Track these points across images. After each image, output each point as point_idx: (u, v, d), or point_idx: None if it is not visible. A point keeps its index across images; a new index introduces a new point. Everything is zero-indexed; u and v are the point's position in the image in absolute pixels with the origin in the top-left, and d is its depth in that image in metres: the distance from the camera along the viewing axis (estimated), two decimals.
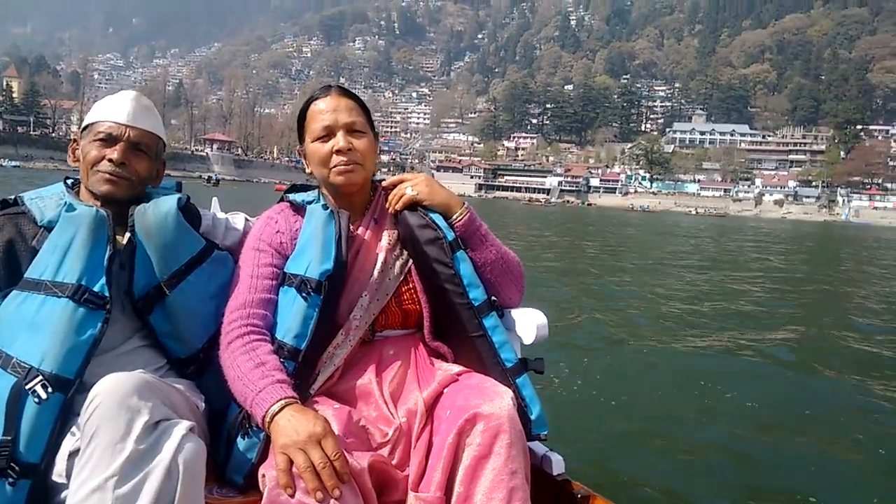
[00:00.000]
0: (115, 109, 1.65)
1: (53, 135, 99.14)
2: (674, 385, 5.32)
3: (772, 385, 5.60)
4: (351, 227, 1.68)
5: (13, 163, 71.54)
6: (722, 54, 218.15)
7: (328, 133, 1.65)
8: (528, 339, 1.77)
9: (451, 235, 1.66)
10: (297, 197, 1.75)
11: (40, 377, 1.38)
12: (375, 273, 1.67)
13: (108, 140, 1.61)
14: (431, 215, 1.68)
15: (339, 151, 1.64)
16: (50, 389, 1.38)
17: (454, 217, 1.71)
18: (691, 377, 5.57)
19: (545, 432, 1.63)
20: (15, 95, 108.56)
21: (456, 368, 1.66)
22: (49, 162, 78.50)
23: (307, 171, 1.75)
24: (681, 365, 6.07)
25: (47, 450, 1.38)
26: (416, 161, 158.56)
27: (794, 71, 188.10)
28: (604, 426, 4.27)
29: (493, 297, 1.70)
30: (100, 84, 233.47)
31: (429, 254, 1.65)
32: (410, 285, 1.72)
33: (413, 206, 1.70)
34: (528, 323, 1.77)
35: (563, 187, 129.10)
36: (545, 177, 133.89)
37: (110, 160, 1.60)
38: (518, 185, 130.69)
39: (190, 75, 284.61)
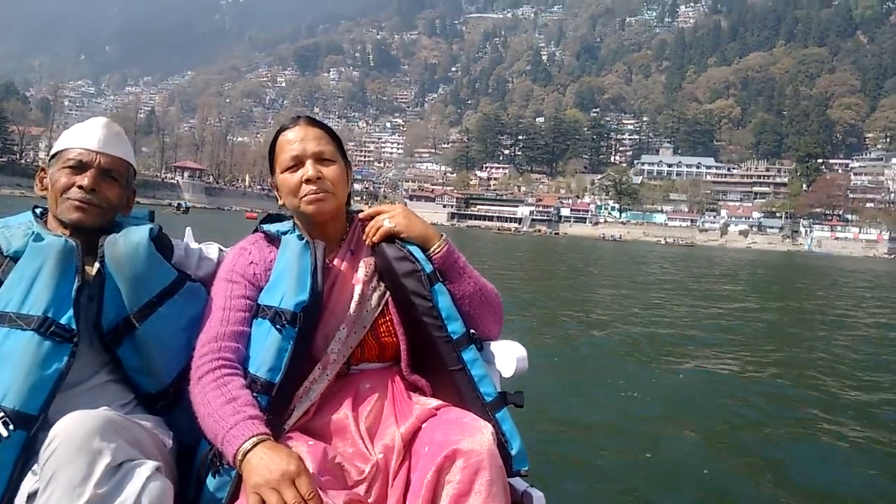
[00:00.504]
0: (85, 136, 1.62)
1: (21, 161, 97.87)
2: (654, 418, 5.27)
3: (770, 417, 5.53)
4: (327, 258, 1.65)
5: None
6: (688, 90, 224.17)
7: (297, 162, 1.64)
8: (508, 372, 1.74)
9: (428, 268, 1.64)
10: (272, 227, 1.71)
11: (2, 414, 1.33)
12: (352, 305, 1.63)
13: (79, 167, 1.58)
14: (409, 247, 1.66)
15: (308, 180, 1.61)
16: (11, 427, 1.33)
17: (432, 249, 1.68)
18: (673, 410, 5.53)
19: (526, 468, 1.60)
20: None
21: (434, 403, 1.62)
22: (16, 189, 77.43)
23: (280, 202, 1.71)
24: (661, 398, 5.95)
25: (7, 490, 1.33)
26: (390, 190, 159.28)
27: (758, 106, 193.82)
28: (583, 461, 4.21)
29: (472, 330, 1.67)
30: (70, 111, 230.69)
31: (406, 286, 1.62)
32: (387, 318, 1.69)
33: (390, 237, 1.68)
34: (508, 356, 1.75)
35: (535, 217, 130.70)
36: (517, 206, 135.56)
37: (80, 187, 1.56)
38: (490, 214, 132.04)
39: (162, 103, 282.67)
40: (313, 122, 1.72)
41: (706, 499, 3.83)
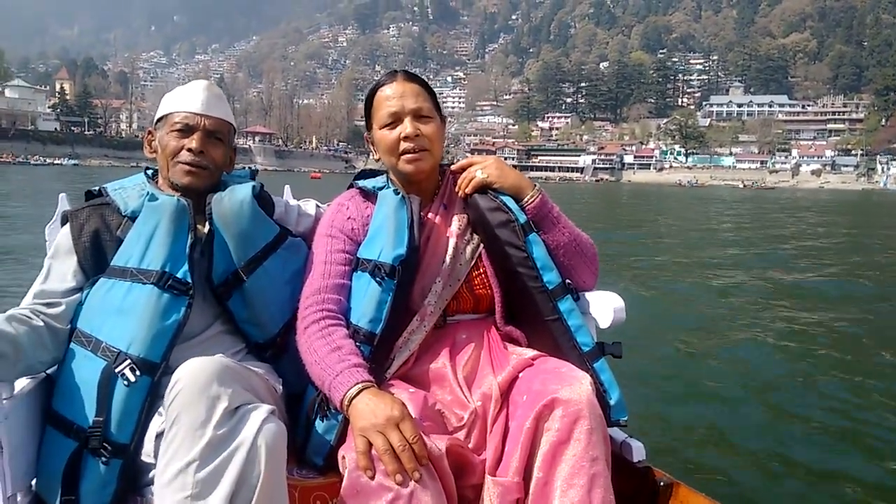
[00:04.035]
0: (188, 100, 1.68)
1: (106, 134, 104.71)
2: (757, 369, 5.17)
3: (868, 371, 5.28)
4: (421, 212, 1.66)
5: (72, 161, 76.69)
6: (761, 24, 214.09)
7: (395, 119, 1.63)
8: (605, 323, 1.73)
9: (522, 218, 1.63)
10: (367, 183, 1.74)
11: (129, 361, 1.43)
12: (447, 258, 1.66)
13: (186, 130, 1.65)
14: (502, 198, 1.65)
15: (406, 138, 1.62)
16: (138, 373, 1.43)
17: (525, 199, 1.67)
18: (778, 361, 5.43)
19: (625, 418, 1.59)
20: (68, 97, 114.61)
21: (530, 353, 1.63)
22: (104, 159, 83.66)
23: (375, 157, 1.73)
24: (766, 348, 5.88)
25: (136, 430, 1.43)
26: (452, 144, 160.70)
27: (836, 39, 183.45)
28: (682, 412, 4.18)
29: (568, 280, 1.66)
30: (145, 82, 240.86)
31: (500, 237, 1.62)
32: (481, 270, 1.70)
33: (483, 189, 1.68)
34: (605, 306, 1.72)
35: (597, 165, 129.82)
36: (579, 155, 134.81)
37: (189, 149, 1.64)
38: (552, 164, 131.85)
39: (230, 70, 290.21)
40: (411, 76, 1.70)
41: (816, 451, 3.71)
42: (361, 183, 1.75)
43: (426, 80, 1.69)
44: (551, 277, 1.62)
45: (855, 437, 3.95)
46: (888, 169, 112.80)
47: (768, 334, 6.50)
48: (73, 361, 1.48)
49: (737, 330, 6.65)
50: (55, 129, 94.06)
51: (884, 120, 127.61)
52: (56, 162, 74.56)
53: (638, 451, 1.70)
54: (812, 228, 22.44)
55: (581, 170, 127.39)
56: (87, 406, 1.43)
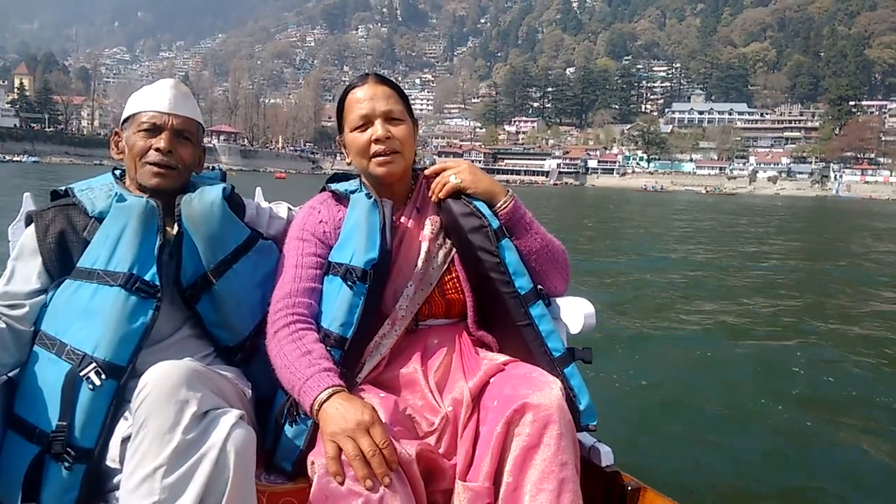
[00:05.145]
0: (155, 99, 1.66)
1: (67, 131, 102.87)
2: (725, 374, 5.22)
3: (836, 372, 5.38)
4: (394, 216, 1.66)
5: (32, 158, 75.42)
6: (723, 33, 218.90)
7: (366, 122, 1.64)
8: (576, 328, 1.73)
9: (495, 223, 1.64)
10: (340, 186, 1.73)
11: (94, 364, 1.40)
12: (419, 262, 1.65)
13: (153, 130, 1.63)
14: (475, 203, 1.66)
15: (377, 140, 1.62)
16: (103, 376, 1.40)
17: (498, 205, 1.69)
18: (746, 365, 5.48)
19: (594, 423, 1.61)
20: (27, 93, 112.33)
21: (501, 358, 1.64)
22: (64, 157, 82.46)
23: (347, 161, 1.71)
24: (730, 354, 5.95)
25: (101, 435, 1.40)
26: (420, 147, 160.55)
27: (794, 48, 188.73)
28: (650, 417, 4.21)
29: (539, 286, 1.67)
30: (107, 79, 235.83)
31: (473, 242, 1.63)
32: (454, 274, 1.70)
33: (456, 194, 1.68)
34: (575, 312, 1.73)
35: (562, 169, 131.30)
36: (544, 159, 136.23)
37: (157, 149, 1.61)
38: (518, 168, 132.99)
39: (196, 68, 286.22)
40: (382, 79, 1.70)
41: (778, 451, 3.77)
42: (334, 186, 1.74)
43: (396, 81, 1.73)
44: (523, 283, 1.63)
45: (824, 440, 3.99)
46: (840, 177, 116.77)
47: (737, 339, 6.60)
48: (36, 364, 1.45)
49: (705, 335, 6.75)
50: (14, 125, 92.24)
51: (837, 129, 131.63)
52: (15, 159, 73.27)
53: (606, 456, 1.71)
54: (787, 233, 23.19)
55: (546, 173, 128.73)
56: (50, 410, 1.40)
